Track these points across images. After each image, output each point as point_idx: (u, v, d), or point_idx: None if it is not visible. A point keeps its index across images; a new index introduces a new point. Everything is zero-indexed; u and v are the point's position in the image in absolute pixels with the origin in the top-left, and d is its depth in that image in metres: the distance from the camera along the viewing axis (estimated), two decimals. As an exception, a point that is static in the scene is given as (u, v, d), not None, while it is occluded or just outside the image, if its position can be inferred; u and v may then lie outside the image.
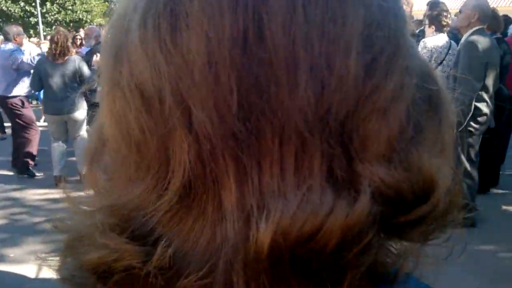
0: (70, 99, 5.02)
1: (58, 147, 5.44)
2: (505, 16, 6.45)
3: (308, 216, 0.30)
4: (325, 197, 0.31)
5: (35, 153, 6.00)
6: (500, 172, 5.24)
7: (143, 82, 0.33)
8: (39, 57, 5.90)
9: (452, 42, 4.48)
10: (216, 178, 0.33)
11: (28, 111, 6.06)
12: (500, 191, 5.10)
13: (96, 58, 6.01)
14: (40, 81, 5.31)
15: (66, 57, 5.17)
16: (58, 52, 5.13)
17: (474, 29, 3.90)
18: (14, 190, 5.44)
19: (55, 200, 4.88)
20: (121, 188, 0.37)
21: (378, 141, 0.33)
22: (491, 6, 4.60)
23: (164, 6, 0.33)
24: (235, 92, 0.31)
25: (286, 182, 0.32)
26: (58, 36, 5.13)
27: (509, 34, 5.43)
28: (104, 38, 0.39)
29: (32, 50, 7.60)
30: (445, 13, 4.50)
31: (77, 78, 5.19)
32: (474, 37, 3.84)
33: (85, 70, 5.24)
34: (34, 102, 10.85)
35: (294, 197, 0.31)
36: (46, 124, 5.82)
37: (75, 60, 5.24)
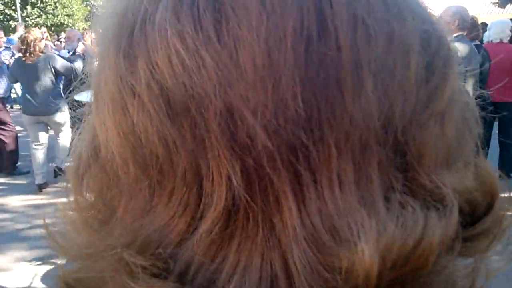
0: (48, 99, 5.00)
1: (38, 151, 5.36)
2: (484, 24, 6.61)
3: (408, 233, 0.27)
4: (414, 212, 0.28)
5: (16, 152, 5.96)
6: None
7: (173, 87, 0.28)
8: (5, 51, 5.95)
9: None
10: (268, 199, 0.28)
11: (3, 113, 5.99)
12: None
13: (81, 46, 5.99)
14: (16, 81, 5.38)
15: (35, 57, 5.11)
16: (26, 51, 5.10)
17: (454, 35, 3.99)
18: (-5, 196, 5.35)
19: (38, 206, 4.82)
20: (129, 221, 0.31)
21: (437, 148, 0.30)
22: (470, 14, 4.72)
23: None
24: (299, 96, 0.27)
25: (347, 198, 0.28)
26: (27, 35, 5.11)
27: (485, 41, 5.56)
28: (100, 31, 0.33)
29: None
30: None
31: (52, 76, 5.16)
32: (456, 44, 3.92)
33: (58, 66, 5.18)
34: (17, 107, 10.68)
35: (382, 214, 0.27)
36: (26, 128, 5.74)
37: (44, 58, 5.17)
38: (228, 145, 0.27)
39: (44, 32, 5.70)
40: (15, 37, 6.31)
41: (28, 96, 5.18)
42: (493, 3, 15.85)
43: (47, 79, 5.16)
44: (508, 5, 15.37)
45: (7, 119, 6.00)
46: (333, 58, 0.27)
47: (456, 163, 0.32)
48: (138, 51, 0.29)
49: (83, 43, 6.08)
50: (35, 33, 5.22)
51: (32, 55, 5.11)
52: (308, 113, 0.27)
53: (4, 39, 7.19)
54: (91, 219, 0.34)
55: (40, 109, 5.14)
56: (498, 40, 5.33)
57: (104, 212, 0.34)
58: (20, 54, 5.30)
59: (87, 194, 0.36)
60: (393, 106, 0.28)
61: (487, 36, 5.50)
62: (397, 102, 0.28)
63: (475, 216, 0.31)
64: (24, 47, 5.10)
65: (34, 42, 5.10)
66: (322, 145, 0.28)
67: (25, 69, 5.15)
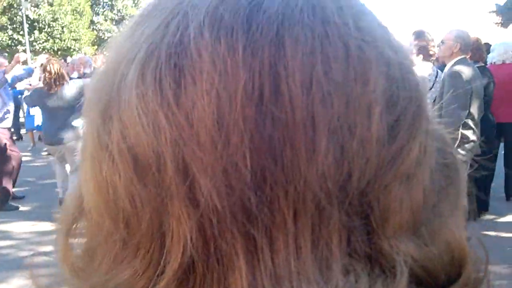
0: (66, 128, 4.94)
1: (59, 171, 5.45)
2: (486, 44, 6.63)
3: None
4: (360, 279, 0.27)
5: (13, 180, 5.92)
6: (491, 197, 5.29)
7: (137, 146, 0.29)
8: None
9: (439, 70, 4.60)
10: (222, 258, 0.28)
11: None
12: (491, 216, 5.14)
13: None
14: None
15: (61, 86, 5.09)
16: (53, 81, 5.04)
17: (457, 59, 4.00)
18: None
19: (42, 233, 4.79)
20: (104, 271, 0.32)
21: (401, 212, 0.29)
22: (474, 37, 4.74)
23: (167, 60, 0.29)
24: (248, 157, 0.27)
25: (303, 261, 0.28)
26: (51, 65, 5.07)
27: (488, 63, 5.57)
28: (90, 89, 0.34)
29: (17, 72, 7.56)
30: (432, 43, 4.62)
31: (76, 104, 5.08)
32: (458, 67, 3.93)
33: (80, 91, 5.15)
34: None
35: (322, 280, 0.27)
36: (35, 155, 5.73)
37: (72, 86, 5.13)
38: (185, 203, 0.28)
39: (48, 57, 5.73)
40: (34, 65, 6.32)
41: (48, 126, 5.19)
42: (496, 23, 15.95)
43: (70, 108, 5.09)
44: (511, 25, 15.47)
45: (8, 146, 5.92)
46: (286, 120, 0.27)
47: (421, 228, 0.31)
48: (113, 111, 0.31)
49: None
50: (57, 60, 5.23)
51: (59, 84, 5.06)
52: (258, 174, 0.27)
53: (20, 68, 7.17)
54: (77, 264, 0.35)
55: (59, 139, 5.02)
56: (501, 62, 5.34)
57: (86, 259, 0.35)
58: (40, 84, 5.26)
59: (77, 240, 0.37)
60: (352, 168, 0.28)
61: (491, 58, 5.51)
62: (356, 164, 0.28)
63: (437, 285, 0.30)
64: (48, 75, 5.03)
65: (59, 70, 5.07)
66: (276, 208, 0.28)
67: (48, 99, 5.09)
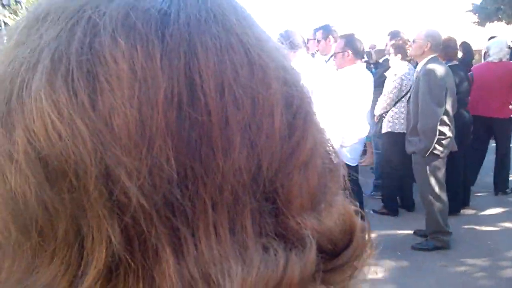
0: None
1: None
2: (465, 43, 6.73)
3: (270, 274, 0.30)
4: (277, 253, 0.31)
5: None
6: (471, 193, 5.37)
7: (50, 154, 0.29)
8: None
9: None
10: (148, 252, 0.30)
11: None
12: (471, 211, 5.21)
13: None
14: None
15: None
16: None
17: (429, 57, 4.08)
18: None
19: None
20: (15, 281, 0.31)
21: (302, 194, 0.34)
22: (446, 36, 4.83)
23: (78, 66, 0.29)
24: (172, 158, 0.29)
25: (223, 245, 0.31)
26: None
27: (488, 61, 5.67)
28: None
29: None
30: (408, 42, 4.71)
31: None
32: (432, 65, 4.01)
33: None
34: None
35: (252, 258, 0.31)
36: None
37: None
38: (106, 205, 0.29)
39: None
40: None
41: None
42: (474, 22, 16.19)
43: None
44: (487, 23, 15.71)
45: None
46: (203, 121, 0.30)
47: (319, 206, 0.35)
48: (15, 119, 0.30)
49: None
50: None
51: None
52: (182, 173, 0.30)
53: None
54: None
55: None
56: (497, 60, 5.44)
57: None
58: None
59: None
60: (261, 161, 0.32)
61: (489, 56, 5.63)
62: (264, 157, 0.32)
63: (336, 252, 0.35)
64: None
65: None
66: (198, 201, 0.30)
67: None
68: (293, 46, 3.49)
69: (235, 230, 0.31)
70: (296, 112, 0.34)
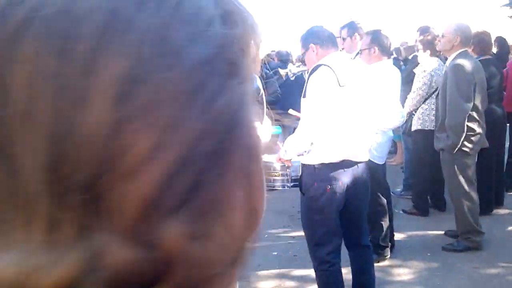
0: None
1: None
2: (500, 37, 6.54)
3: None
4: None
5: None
6: (505, 192, 5.20)
7: None
8: None
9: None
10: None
11: None
12: (505, 211, 5.04)
13: None
14: None
15: None
16: None
17: (458, 52, 3.97)
18: None
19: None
20: None
21: (121, 212, 0.28)
22: (478, 30, 4.69)
23: None
24: None
25: (45, 241, 0.28)
26: None
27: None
28: None
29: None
30: (437, 38, 4.60)
31: None
32: (460, 60, 3.90)
33: None
34: None
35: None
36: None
37: None
38: None
39: None
40: None
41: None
42: (510, 17, 15.66)
43: None
44: (525, 18, 15.17)
45: None
46: (6, 120, 0.28)
47: (142, 230, 0.29)
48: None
49: None
50: None
51: None
52: None
53: None
54: None
55: None
56: None
57: None
58: None
59: None
60: (69, 164, 0.28)
61: None
62: (76, 159, 0.29)
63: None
64: None
65: None
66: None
67: None
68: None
69: (51, 232, 0.28)
70: (132, 110, 0.28)
